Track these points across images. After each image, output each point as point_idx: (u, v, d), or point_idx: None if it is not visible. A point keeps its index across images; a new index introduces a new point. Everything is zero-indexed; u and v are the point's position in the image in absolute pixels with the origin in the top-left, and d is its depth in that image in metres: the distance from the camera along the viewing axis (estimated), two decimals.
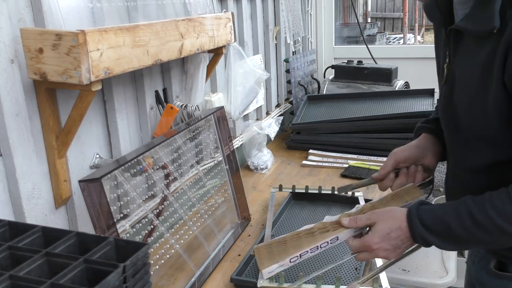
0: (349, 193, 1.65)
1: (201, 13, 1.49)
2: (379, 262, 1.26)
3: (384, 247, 0.97)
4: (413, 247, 1.02)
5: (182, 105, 1.46)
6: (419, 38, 8.29)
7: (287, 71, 2.43)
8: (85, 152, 1.17)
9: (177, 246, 1.24)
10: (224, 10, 1.73)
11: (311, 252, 1.03)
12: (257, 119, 2.21)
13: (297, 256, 1.03)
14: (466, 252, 1.25)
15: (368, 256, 1.00)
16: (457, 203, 0.93)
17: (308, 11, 2.81)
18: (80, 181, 1.00)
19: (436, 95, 2.13)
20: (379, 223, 0.98)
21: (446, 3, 0.99)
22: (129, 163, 1.11)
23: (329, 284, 1.19)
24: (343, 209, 1.62)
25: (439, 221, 0.93)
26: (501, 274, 1.02)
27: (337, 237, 1.03)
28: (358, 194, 1.65)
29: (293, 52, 2.56)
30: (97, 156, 1.21)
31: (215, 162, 1.62)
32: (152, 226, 1.18)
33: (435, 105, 1.31)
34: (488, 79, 0.86)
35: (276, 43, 2.37)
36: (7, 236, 0.79)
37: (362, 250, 1.00)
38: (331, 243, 1.04)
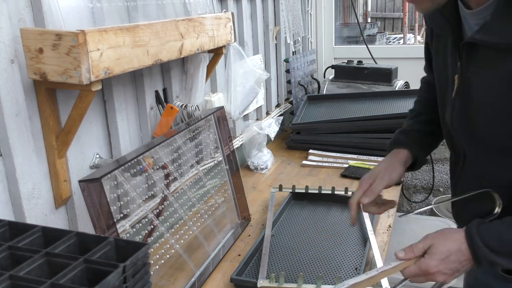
0: (349, 192, 1.65)
1: (201, 13, 1.48)
2: (379, 264, 1.26)
3: (443, 271, 0.91)
4: None
5: (182, 105, 1.46)
6: (419, 38, 8.27)
7: (287, 71, 2.43)
8: (85, 152, 1.17)
9: (177, 246, 1.24)
10: (224, 10, 1.73)
11: None
12: (257, 119, 2.21)
13: None
14: None
15: (425, 281, 0.94)
16: None
17: (308, 11, 2.81)
18: (80, 181, 0.99)
19: None
20: (436, 245, 0.92)
21: (452, 12, 0.94)
22: (129, 163, 1.11)
23: (329, 284, 1.19)
24: (343, 209, 1.62)
25: (505, 243, 0.87)
26: (509, 277, 1.00)
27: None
28: None
29: (293, 52, 2.56)
30: (97, 156, 1.21)
31: (215, 162, 1.62)
32: (152, 226, 1.18)
33: (410, 109, 1.27)
34: None
35: (276, 43, 2.37)
36: (7, 236, 0.79)
37: (419, 275, 0.94)
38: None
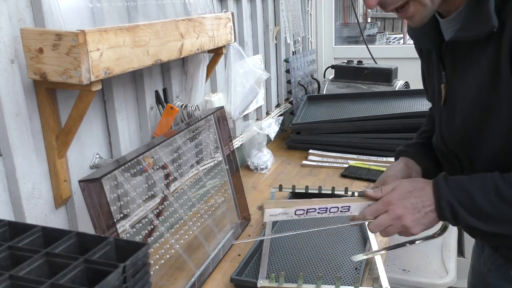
0: (349, 192, 1.65)
1: (201, 13, 1.49)
2: (379, 264, 1.26)
3: (404, 204, 0.91)
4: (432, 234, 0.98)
5: (182, 105, 1.46)
6: None
7: (287, 71, 2.43)
8: (85, 152, 1.17)
9: (177, 246, 1.24)
10: (224, 10, 1.73)
11: (319, 212, 0.96)
12: (257, 119, 2.21)
13: (303, 210, 0.96)
14: (467, 253, 1.23)
15: (386, 219, 0.93)
16: (485, 175, 0.87)
17: (308, 11, 2.81)
18: (80, 181, 0.99)
19: None
20: (403, 182, 0.95)
21: (431, 26, 0.97)
22: (129, 163, 1.11)
23: (329, 284, 1.19)
24: None
25: (462, 190, 0.87)
26: None
27: (349, 206, 0.97)
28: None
29: (293, 52, 2.56)
30: (97, 156, 1.21)
31: (215, 162, 1.62)
32: (152, 226, 1.18)
33: (421, 129, 1.29)
34: (498, 82, 0.84)
35: (276, 43, 2.37)
36: (7, 236, 0.79)
37: (380, 209, 0.93)
38: (342, 211, 0.98)
